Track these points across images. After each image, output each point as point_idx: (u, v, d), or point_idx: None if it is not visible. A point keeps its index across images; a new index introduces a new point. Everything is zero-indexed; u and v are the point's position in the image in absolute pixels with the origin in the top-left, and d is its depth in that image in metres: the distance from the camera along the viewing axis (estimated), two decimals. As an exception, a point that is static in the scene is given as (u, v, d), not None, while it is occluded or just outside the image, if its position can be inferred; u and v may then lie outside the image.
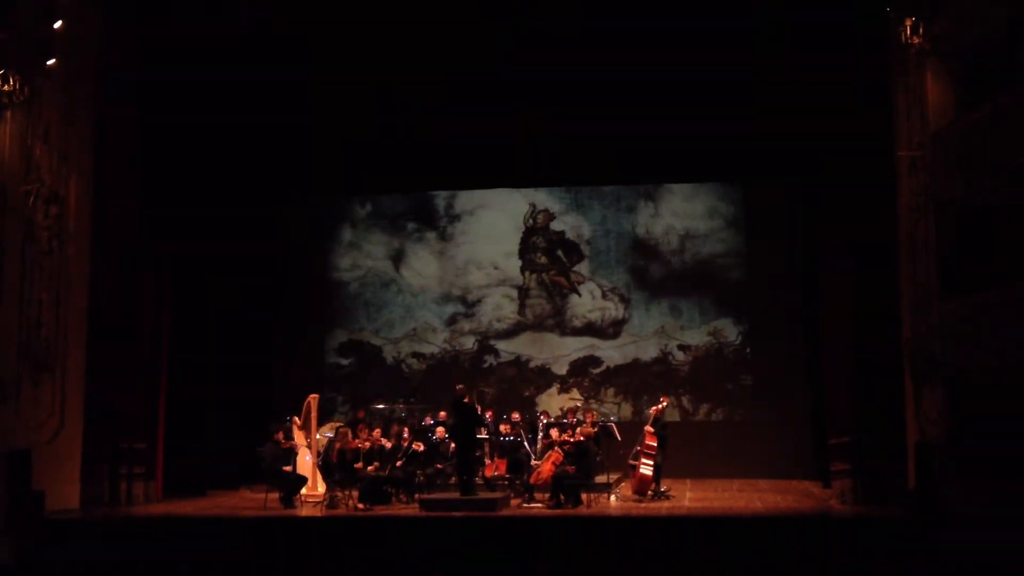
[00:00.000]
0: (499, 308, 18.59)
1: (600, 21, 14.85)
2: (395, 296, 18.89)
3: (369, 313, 18.90)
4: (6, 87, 12.45)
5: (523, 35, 15.14)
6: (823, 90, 14.03)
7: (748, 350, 17.72)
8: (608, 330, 18.29)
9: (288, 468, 13.94)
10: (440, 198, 18.91)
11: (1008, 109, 11.22)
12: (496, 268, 18.67)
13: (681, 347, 17.97)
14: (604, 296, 18.37)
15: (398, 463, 13.83)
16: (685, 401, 17.80)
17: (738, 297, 17.89)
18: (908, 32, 12.01)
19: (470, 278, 18.74)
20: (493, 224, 18.78)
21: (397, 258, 18.96)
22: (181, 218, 15.79)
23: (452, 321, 18.71)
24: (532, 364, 18.43)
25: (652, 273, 18.25)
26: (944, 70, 12.37)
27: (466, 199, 18.81)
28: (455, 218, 18.91)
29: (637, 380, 18.06)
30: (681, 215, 18.24)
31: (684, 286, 18.10)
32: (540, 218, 18.59)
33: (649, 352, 18.07)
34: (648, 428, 14.01)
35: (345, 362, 18.81)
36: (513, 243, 18.68)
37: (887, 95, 13.20)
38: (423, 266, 18.90)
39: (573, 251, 18.49)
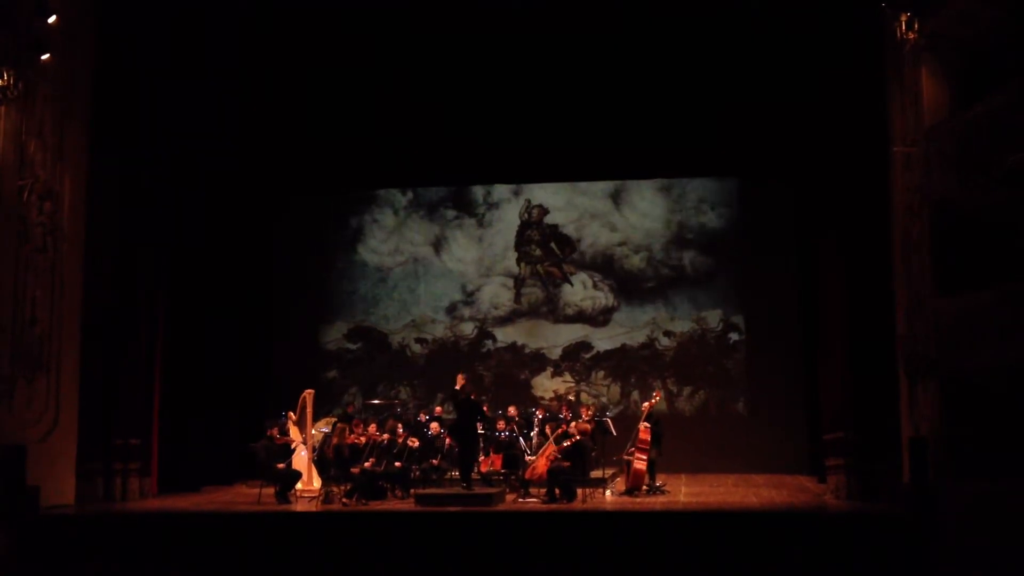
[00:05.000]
0: (496, 296, 18.90)
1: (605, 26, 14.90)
2: (393, 289, 19.13)
3: (368, 304, 19.15)
4: (0, 82, 12.40)
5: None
6: (818, 86, 14.05)
7: (729, 336, 17.93)
8: (599, 318, 18.54)
9: (282, 465, 13.94)
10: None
11: (1004, 107, 11.15)
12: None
13: (667, 333, 18.18)
14: (595, 286, 18.60)
15: (396, 464, 13.85)
16: (670, 383, 18.01)
17: (733, 294, 17.99)
18: (903, 28, 11.90)
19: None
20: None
21: (406, 248, 19.25)
22: (178, 211, 15.77)
23: (452, 309, 18.94)
24: (527, 349, 18.74)
25: (645, 267, 18.35)
26: (939, 67, 12.27)
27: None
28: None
29: (625, 364, 18.35)
30: (675, 211, 18.32)
31: (677, 280, 18.22)
32: (535, 213, 18.80)
33: (637, 338, 18.30)
34: (643, 424, 14.04)
35: (353, 347, 19.11)
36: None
37: (882, 91, 13.17)
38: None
39: (566, 244, 18.72)
